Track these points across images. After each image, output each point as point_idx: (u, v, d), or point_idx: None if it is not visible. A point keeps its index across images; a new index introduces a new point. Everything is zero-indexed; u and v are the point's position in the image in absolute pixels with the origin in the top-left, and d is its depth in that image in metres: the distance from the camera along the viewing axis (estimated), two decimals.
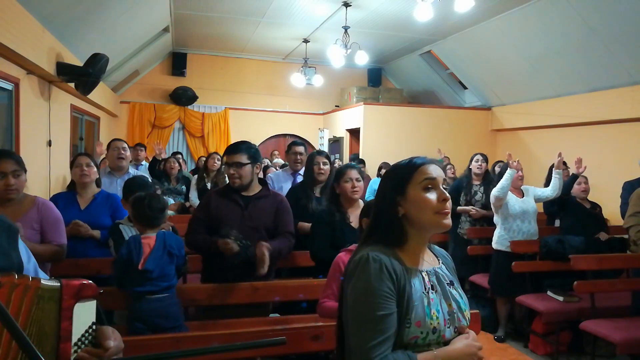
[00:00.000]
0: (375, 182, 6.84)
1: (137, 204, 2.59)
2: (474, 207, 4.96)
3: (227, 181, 2.94)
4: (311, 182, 3.65)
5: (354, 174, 2.92)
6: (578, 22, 5.65)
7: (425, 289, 1.37)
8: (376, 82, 10.49)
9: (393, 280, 1.31)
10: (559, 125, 6.82)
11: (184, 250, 2.63)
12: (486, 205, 4.83)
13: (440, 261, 1.52)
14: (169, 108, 9.67)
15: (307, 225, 3.41)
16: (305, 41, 8.52)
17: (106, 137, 8.32)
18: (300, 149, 4.18)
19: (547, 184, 4.80)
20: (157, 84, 9.65)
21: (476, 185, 5.03)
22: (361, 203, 2.99)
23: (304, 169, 4.20)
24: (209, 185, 5.56)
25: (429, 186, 1.40)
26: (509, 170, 4.29)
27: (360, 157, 8.01)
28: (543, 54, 6.52)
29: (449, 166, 6.70)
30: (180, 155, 7.22)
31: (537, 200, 4.51)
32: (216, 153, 5.94)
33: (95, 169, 3.29)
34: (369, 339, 1.27)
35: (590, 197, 4.76)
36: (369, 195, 5.98)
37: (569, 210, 4.68)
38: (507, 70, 7.38)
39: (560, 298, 4.11)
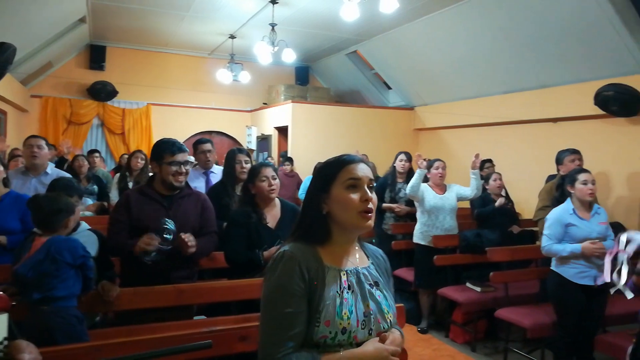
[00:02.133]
0: (309, 180, 6.88)
1: (30, 204, 2.42)
2: (398, 205, 5.13)
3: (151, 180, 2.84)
4: (232, 181, 3.60)
5: (269, 172, 2.86)
6: (493, 28, 6.00)
7: (340, 288, 1.36)
8: (304, 81, 10.53)
9: (305, 278, 1.32)
10: (476, 124, 7.20)
11: (86, 259, 2.37)
12: (410, 202, 5.01)
13: (370, 261, 1.50)
14: (86, 103, 9.14)
15: None
16: (232, 37, 8.38)
17: (14, 133, 7.73)
18: (208, 146, 4.08)
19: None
20: (73, 78, 9.09)
21: (400, 182, 5.20)
22: (277, 202, 2.96)
23: (216, 166, 4.16)
24: (130, 184, 5.33)
25: (353, 185, 1.40)
26: (418, 170, 4.49)
27: (288, 155, 8.02)
28: (462, 57, 6.85)
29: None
30: (98, 154, 6.85)
31: (459, 198, 4.73)
32: (139, 151, 5.70)
33: (1, 168, 3.05)
34: (274, 336, 1.28)
35: (503, 193, 5.07)
36: (302, 193, 5.97)
37: (485, 206, 4.96)
38: (429, 71, 7.68)
39: (478, 289, 4.36)
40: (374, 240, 5.39)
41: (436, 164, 4.68)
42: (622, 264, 2.76)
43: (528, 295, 4.25)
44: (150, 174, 5.23)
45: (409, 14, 6.52)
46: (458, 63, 7.02)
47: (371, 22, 6.95)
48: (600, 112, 5.16)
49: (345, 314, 1.32)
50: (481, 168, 5.96)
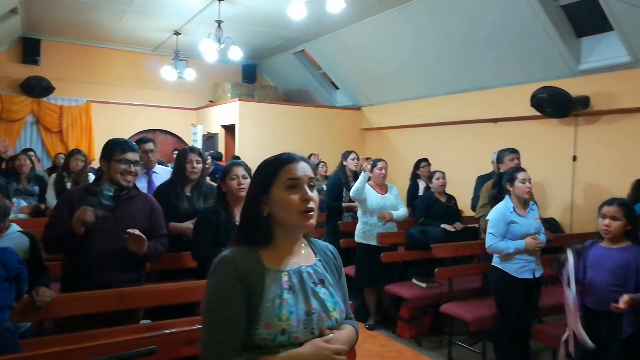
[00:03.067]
0: None
1: None
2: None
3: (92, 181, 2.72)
4: (182, 181, 3.51)
5: (240, 170, 2.88)
6: (437, 31, 6.17)
7: (280, 290, 1.34)
8: (251, 79, 10.43)
9: (243, 282, 1.31)
10: (421, 124, 7.38)
11: (21, 271, 2.27)
12: None
13: (318, 258, 1.49)
14: (19, 100, 8.62)
15: (180, 225, 3.30)
16: (177, 33, 8.17)
17: None
18: (150, 145, 3.94)
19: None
20: (4, 72, 8.55)
21: (352, 181, 5.26)
22: None
23: (158, 166, 4.05)
24: (69, 185, 5.08)
25: (293, 186, 1.39)
26: (363, 173, 4.55)
27: (236, 154, 7.92)
28: (406, 58, 7.00)
29: (321, 164, 6.90)
30: (32, 153, 6.49)
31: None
32: (79, 152, 5.41)
33: None
34: (213, 340, 1.29)
35: (447, 190, 5.22)
36: None
37: (429, 204, 5.09)
38: (375, 72, 7.80)
39: (424, 285, 4.47)
40: (322, 239, 5.41)
41: (379, 164, 4.73)
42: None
43: (471, 289, 4.40)
44: (90, 174, 5.02)
45: (355, 14, 6.60)
46: (402, 64, 7.17)
47: (318, 22, 6.97)
48: (536, 113, 5.42)
49: (284, 315, 1.31)
50: (417, 167, 6.24)
